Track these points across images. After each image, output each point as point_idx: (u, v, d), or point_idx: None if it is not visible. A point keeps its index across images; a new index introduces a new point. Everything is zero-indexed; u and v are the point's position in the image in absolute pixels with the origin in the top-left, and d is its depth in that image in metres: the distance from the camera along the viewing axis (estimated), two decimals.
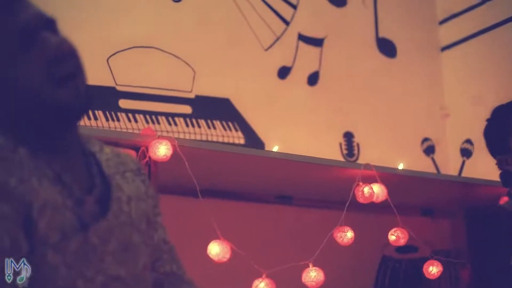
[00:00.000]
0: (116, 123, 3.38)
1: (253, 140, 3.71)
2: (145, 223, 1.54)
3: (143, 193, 1.58)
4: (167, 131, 3.45)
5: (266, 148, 3.68)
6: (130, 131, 3.34)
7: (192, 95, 3.61)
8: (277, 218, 3.49)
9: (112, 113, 3.39)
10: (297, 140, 3.78)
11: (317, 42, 4.05)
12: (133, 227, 1.50)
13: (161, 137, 2.72)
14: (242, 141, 3.68)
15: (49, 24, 1.40)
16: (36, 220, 1.30)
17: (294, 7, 4.00)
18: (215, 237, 2.74)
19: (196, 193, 2.71)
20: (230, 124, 3.68)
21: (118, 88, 3.43)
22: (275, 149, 3.40)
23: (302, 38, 4.00)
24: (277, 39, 3.91)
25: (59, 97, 1.36)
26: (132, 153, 2.77)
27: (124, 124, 3.40)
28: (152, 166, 2.76)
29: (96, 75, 3.40)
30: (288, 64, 3.92)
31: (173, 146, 2.71)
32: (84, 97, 1.40)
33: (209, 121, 3.63)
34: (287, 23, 3.96)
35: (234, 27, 3.79)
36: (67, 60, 1.39)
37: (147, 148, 2.71)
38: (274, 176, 3.18)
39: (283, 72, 3.90)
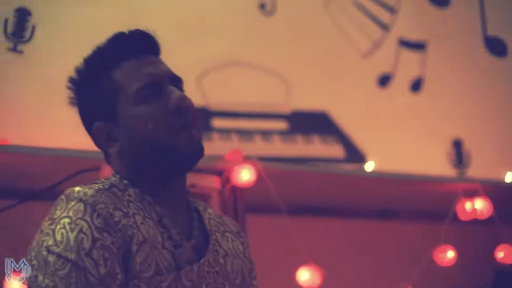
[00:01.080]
0: (210, 143, 3.33)
1: (354, 153, 3.57)
2: (240, 279, 1.62)
3: (240, 253, 1.66)
4: (263, 149, 3.38)
5: (368, 161, 3.54)
6: (225, 151, 3.27)
7: (287, 110, 3.51)
8: (376, 234, 3.34)
9: (205, 133, 3.35)
10: (401, 151, 3.61)
11: (419, 46, 3.86)
12: (226, 279, 1.58)
13: (244, 161, 2.67)
14: (342, 155, 3.55)
15: (176, 81, 1.57)
16: (134, 254, 1.41)
17: (393, 11, 3.83)
18: (307, 256, 2.66)
19: (286, 212, 2.64)
20: (329, 138, 3.56)
21: (211, 107, 3.38)
22: (371, 164, 3.24)
23: (402, 42, 3.82)
24: (376, 45, 3.75)
25: (175, 142, 1.50)
26: (216, 179, 2.73)
27: (218, 144, 3.35)
28: (238, 192, 2.70)
29: (188, 95, 3.39)
30: (389, 71, 3.76)
31: (257, 169, 2.65)
32: (197, 146, 1.53)
33: (306, 136, 3.52)
34: (385, 28, 3.80)
35: (329, 36, 3.66)
36: (186, 113, 1.51)
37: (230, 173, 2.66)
38: (369, 192, 3.05)
39: (384, 80, 3.74)
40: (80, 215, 1.39)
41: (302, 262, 2.70)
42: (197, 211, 1.63)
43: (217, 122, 3.38)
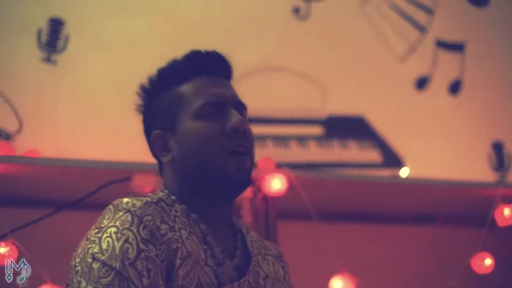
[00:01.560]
0: None
1: (391, 158, 3.51)
2: None
3: (281, 276, 1.68)
4: (298, 155, 3.35)
5: (406, 165, 3.49)
6: (259, 157, 3.24)
7: (323, 115, 3.47)
8: (411, 240, 3.27)
9: None
10: (440, 155, 3.55)
11: (457, 47, 3.79)
12: None
13: (275, 170, 2.65)
14: (378, 160, 3.50)
15: (240, 107, 1.63)
16: (177, 267, 1.43)
17: (430, 12, 3.76)
18: (340, 264, 2.63)
19: (319, 219, 2.61)
20: (366, 142, 3.51)
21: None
22: (406, 170, 3.19)
23: (440, 44, 3.75)
24: (412, 47, 3.69)
25: (224, 165, 1.52)
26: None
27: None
28: (269, 200, 2.68)
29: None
30: (426, 73, 3.69)
31: (288, 178, 2.62)
32: (244, 176, 1.55)
33: (342, 141, 3.48)
34: (422, 29, 3.73)
35: (365, 39, 3.61)
36: (243, 139, 1.56)
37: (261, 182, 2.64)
38: (404, 198, 3.00)
39: (421, 82, 3.67)
40: (127, 226, 1.41)
41: (336, 271, 2.66)
42: (241, 233, 1.66)
43: (252, 129, 3.35)
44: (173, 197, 1.56)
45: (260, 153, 3.32)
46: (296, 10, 3.52)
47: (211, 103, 1.56)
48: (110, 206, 1.47)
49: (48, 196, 2.67)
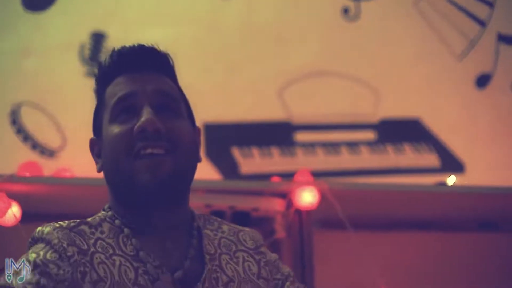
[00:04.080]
0: (293, 158, 3.22)
1: (450, 162, 3.34)
2: None
3: (252, 274, 1.51)
4: (350, 162, 3.24)
5: (467, 170, 3.31)
6: (310, 165, 3.15)
7: (375, 119, 3.33)
8: (475, 248, 3.08)
9: (288, 148, 3.24)
10: (503, 157, 3.35)
11: None
12: None
13: (307, 183, 2.55)
14: (436, 164, 3.33)
15: (161, 100, 1.43)
16: None
17: (490, 4, 3.55)
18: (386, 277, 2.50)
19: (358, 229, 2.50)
20: (422, 146, 3.35)
21: (294, 120, 3.26)
22: (452, 179, 3.01)
23: (502, 38, 3.54)
24: (472, 43, 3.49)
25: (135, 170, 1.38)
26: (280, 201, 2.62)
27: (302, 159, 3.24)
28: (303, 213, 2.58)
29: (269, 110, 3.31)
30: (488, 70, 3.49)
31: (320, 190, 2.52)
32: (165, 178, 1.38)
33: (397, 146, 3.33)
34: (482, 24, 3.52)
35: (420, 37, 3.46)
36: (156, 138, 1.39)
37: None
38: (450, 206, 2.83)
39: (482, 80, 3.47)
40: (36, 251, 1.36)
41: (383, 283, 2.54)
42: (199, 236, 1.49)
43: (300, 136, 3.26)
44: (109, 213, 1.43)
45: (310, 161, 3.24)
46: (345, 11, 3.39)
47: (119, 103, 1.41)
48: (30, 239, 1.42)
49: (80, 213, 2.65)
